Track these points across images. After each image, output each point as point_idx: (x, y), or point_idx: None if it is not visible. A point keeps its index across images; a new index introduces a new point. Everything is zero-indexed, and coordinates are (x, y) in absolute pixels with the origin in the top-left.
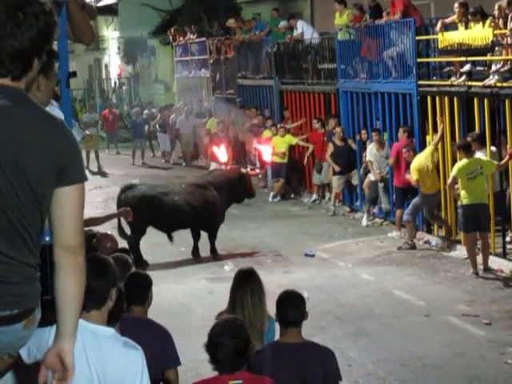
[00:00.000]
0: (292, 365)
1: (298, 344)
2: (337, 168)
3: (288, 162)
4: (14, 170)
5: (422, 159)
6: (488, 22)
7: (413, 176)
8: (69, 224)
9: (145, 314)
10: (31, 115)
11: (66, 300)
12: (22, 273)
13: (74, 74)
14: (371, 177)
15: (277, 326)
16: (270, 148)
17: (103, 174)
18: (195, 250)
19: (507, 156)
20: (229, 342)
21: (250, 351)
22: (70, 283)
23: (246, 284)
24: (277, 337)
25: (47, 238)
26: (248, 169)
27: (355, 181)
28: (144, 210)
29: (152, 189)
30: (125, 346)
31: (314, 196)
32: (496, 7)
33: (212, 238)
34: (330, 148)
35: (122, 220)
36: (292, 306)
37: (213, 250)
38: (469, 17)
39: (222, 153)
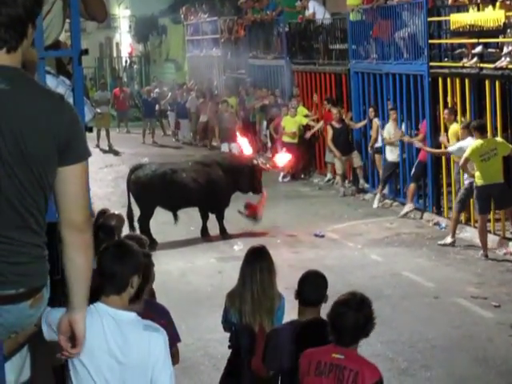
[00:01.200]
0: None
1: (317, 323)
2: (338, 154)
3: (298, 142)
4: (13, 153)
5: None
6: (498, 4)
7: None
8: (74, 202)
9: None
10: (30, 97)
11: (72, 275)
12: (27, 252)
13: (85, 52)
14: (389, 157)
15: (293, 306)
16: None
17: (114, 153)
18: (204, 230)
19: None
20: (351, 313)
21: (369, 330)
22: (76, 260)
23: (257, 262)
24: (286, 315)
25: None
26: (260, 160)
27: (356, 163)
28: (155, 187)
29: (162, 166)
30: (145, 329)
31: (328, 175)
32: None
33: (219, 218)
34: (330, 132)
35: (132, 200)
36: (313, 285)
37: (222, 229)
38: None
39: (246, 144)
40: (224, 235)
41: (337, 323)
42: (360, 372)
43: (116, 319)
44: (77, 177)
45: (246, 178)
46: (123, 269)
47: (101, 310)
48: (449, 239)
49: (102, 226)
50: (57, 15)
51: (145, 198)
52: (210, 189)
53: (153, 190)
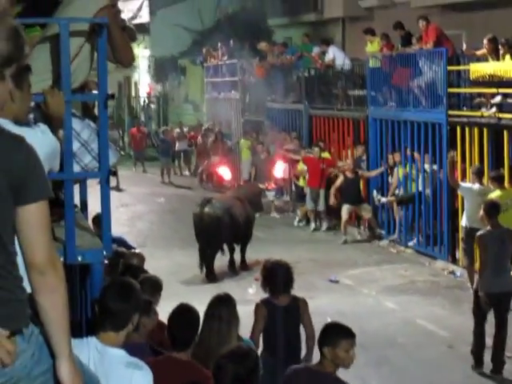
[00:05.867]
0: None
1: (332, 375)
2: (332, 201)
3: None
4: None
5: None
6: None
7: None
8: (32, 243)
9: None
10: None
11: (44, 321)
12: None
13: (112, 96)
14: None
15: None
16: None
17: (118, 190)
18: (232, 263)
19: None
20: (231, 366)
21: (254, 382)
22: (43, 305)
23: (217, 310)
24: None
25: (79, 258)
26: (266, 185)
27: (366, 214)
28: (225, 222)
29: (223, 202)
30: (128, 367)
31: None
32: None
33: (244, 250)
34: (340, 180)
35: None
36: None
37: (243, 261)
38: (500, 47)
39: (225, 171)
40: (244, 266)
41: (218, 376)
42: None
43: (103, 354)
44: (33, 217)
45: (256, 202)
46: (126, 308)
47: (91, 345)
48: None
49: (129, 267)
50: (84, 59)
51: (219, 233)
52: (247, 222)
53: (224, 224)
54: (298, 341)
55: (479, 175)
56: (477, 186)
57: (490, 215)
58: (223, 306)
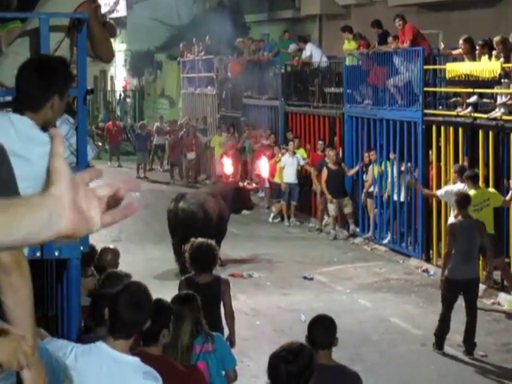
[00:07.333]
0: None
1: (329, 366)
2: (329, 197)
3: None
4: None
5: None
6: (494, 54)
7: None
8: None
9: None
10: None
11: (9, 322)
12: None
13: (91, 92)
14: None
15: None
16: (265, 163)
17: None
18: None
19: (511, 191)
20: (283, 365)
21: (307, 378)
22: (8, 306)
23: (177, 307)
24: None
25: (56, 253)
26: (245, 183)
27: (348, 209)
28: (199, 219)
29: (199, 198)
30: (144, 378)
31: (326, 219)
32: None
33: (219, 245)
34: (325, 173)
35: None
36: (322, 328)
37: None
38: (477, 48)
39: (228, 165)
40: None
41: (272, 376)
42: None
43: (118, 361)
44: None
45: (237, 200)
46: (141, 318)
47: (102, 352)
48: None
49: (99, 265)
50: (63, 54)
51: (194, 228)
52: (220, 218)
53: (198, 219)
54: (218, 319)
55: (461, 174)
56: (453, 186)
57: (460, 206)
58: (182, 303)
